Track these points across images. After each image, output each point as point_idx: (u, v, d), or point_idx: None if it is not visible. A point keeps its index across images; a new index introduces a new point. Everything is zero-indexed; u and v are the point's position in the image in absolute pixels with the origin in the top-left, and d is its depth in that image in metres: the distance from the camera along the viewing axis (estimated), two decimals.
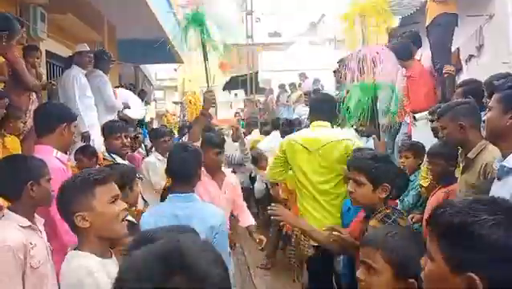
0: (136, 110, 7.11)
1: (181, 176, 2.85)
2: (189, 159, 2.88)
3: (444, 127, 2.81)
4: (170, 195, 2.89)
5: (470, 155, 2.71)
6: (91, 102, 5.63)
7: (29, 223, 2.30)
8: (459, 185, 2.91)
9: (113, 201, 1.92)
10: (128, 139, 4.24)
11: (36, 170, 2.39)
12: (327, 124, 3.72)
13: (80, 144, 5.05)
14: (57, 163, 2.81)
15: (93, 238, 1.88)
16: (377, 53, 3.98)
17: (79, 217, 1.85)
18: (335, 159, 3.54)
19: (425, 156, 3.75)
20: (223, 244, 2.76)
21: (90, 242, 1.87)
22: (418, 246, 1.63)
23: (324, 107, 3.79)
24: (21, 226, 2.26)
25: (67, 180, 2.00)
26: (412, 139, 4.83)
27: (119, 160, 3.93)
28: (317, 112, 3.80)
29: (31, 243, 2.23)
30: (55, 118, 3.00)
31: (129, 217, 3.01)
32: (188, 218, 2.52)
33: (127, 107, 6.75)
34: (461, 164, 2.96)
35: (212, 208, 2.92)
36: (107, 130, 4.25)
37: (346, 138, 3.60)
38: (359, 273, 1.75)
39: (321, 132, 3.66)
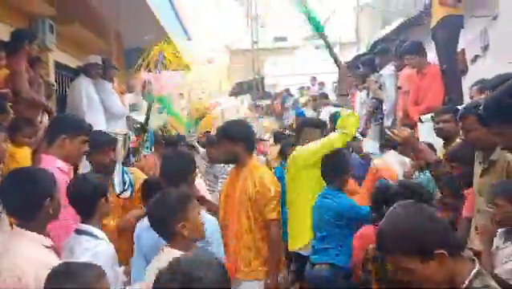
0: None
1: (172, 181, 2.72)
2: (181, 164, 2.80)
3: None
4: None
5: (494, 157, 2.68)
6: (100, 110, 5.72)
7: (51, 243, 2.17)
8: (479, 188, 2.82)
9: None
10: (112, 155, 3.48)
11: (50, 183, 2.25)
12: None
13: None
14: (59, 174, 2.64)
15: (186, 240, 2.29)
16: None
17: (181, 225, 2.27)
18: None
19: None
20: (218, 250, 2.69)
21: (182, 243, 2.27)
22: None
23: None
24: (44, 246, 2.14)
25: (168, 196, 2.36)
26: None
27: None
28: None
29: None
30: (54, 130, 3.01)
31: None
32: None
33: (135, 110, 6.71)
34: (478, 167, 2.88)
35: (203, 215, 2.82)
36: (93, 144, 3.16)
37: None
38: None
39: None
